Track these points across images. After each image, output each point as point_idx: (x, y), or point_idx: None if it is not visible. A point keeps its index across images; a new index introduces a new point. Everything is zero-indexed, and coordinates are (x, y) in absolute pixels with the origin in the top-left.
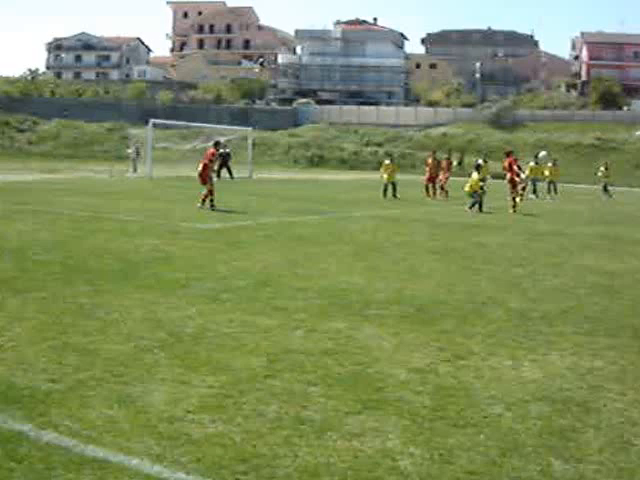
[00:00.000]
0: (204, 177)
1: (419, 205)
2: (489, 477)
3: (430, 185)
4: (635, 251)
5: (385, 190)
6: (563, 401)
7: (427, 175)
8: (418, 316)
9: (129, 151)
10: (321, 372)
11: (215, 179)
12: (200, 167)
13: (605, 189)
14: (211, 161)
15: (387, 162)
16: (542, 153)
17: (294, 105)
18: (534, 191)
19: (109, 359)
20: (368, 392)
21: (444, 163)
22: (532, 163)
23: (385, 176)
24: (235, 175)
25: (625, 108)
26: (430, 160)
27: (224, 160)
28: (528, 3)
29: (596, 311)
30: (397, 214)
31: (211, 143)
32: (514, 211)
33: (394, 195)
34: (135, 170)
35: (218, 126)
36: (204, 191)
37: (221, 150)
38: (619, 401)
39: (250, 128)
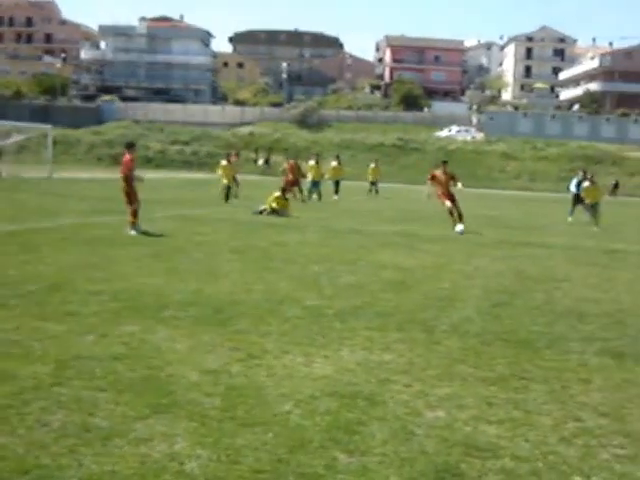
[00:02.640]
0: (130, 193)
1: (224, 205)
2: (275, 475)
3: None
4: (428, 248)
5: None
6: (351, 395)
7: None
8: (215, 317)
9: None
10: (111, 377)
11: None
12: (122, 182)
13: (373, 185)
14: (131, 169)
15: (224, 163)
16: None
17: (98, 102)
18: (336, 191)
19: None
20: (158, 396)
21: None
22: (334, 163)
23: (225, 179)
24: (34, 175)
25: (426, 110)
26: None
27: None
28: (335, 5)
29: (388, 306)
30: (200, 214)
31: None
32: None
33: (231, 197)
34: None
35: (17, 123)
36: (129, 211)
37: None
38: (405, 393)
39: (50, 125)
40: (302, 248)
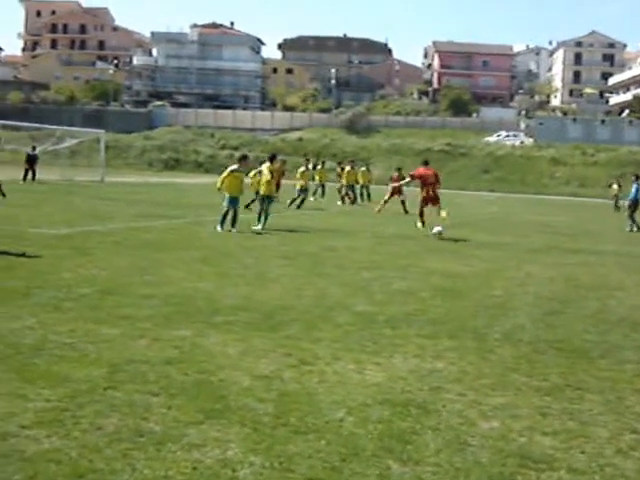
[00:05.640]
0: None
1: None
2: None
3: None
4: (479, 254)
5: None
6: (404, 404)
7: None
8: (265, 322)
9: None
10: (164, 382)
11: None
12: None
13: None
14: None
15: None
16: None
17: (149, 107)
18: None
19: None
20: (211, 401)
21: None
22: (363, 169)
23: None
24: (86, 178)
25: (474, 115)
26: None
27: (31, 162)
28: (383, 12)
29: (439, 313)
30: (250, 218)
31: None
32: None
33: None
34: None
35: (70, 128)
36: None
37: (29, 152)
38: (458, 402)
39: (102, 130)
40: (352, 253)
